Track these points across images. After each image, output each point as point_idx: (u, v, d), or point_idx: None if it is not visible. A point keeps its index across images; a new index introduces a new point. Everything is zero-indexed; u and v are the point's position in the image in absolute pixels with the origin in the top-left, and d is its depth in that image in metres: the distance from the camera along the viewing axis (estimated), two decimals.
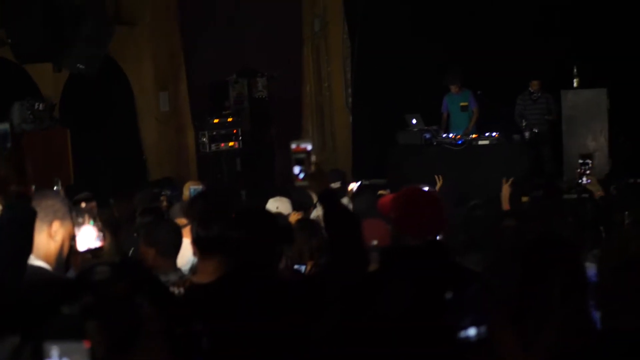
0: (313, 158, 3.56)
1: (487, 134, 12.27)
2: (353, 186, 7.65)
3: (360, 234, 3.43)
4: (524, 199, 11.72)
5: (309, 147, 3.54)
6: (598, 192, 5.71)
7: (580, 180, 5.71)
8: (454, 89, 12.89)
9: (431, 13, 13.76)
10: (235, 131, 13.16)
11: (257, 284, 3.26)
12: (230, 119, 13.29)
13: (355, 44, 14.55)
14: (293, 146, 3.56)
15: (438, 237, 3.35)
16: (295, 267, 5.24)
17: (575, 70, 12.39)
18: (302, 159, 3.55)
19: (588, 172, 5.65)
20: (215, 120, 13.12)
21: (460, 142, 12.24)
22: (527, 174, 11.93)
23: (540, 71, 12.78)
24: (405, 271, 3.09)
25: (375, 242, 4.14)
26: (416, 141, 12.44)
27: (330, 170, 7.73)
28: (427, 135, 12.48)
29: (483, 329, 2.05)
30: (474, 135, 12.34)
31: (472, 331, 2.04)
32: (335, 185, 6.72)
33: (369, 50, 14.37)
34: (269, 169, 13.90)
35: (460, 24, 13.65)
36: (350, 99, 15.06)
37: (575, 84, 12.46)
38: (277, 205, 6.20)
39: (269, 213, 3.77)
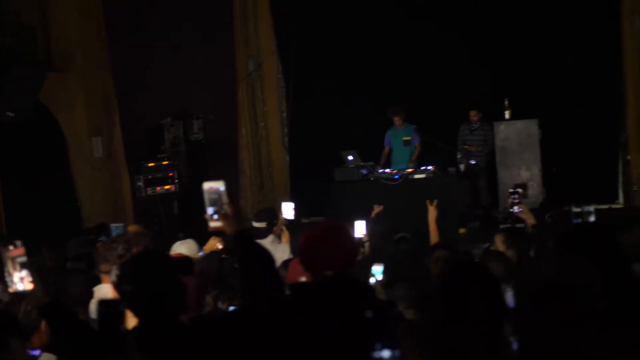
0: (225, 199, 3.54)
1: (422, 168, 12.37)
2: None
3: (275, 274, 3.49)
4: (462, 230, 11.86)
5: (222, 187, 3.54)
6: (530, 221, 5.76)
7: (511, 210, 5.75)
8: (397, 122, 12.93)
9: (365, 50, 13.94)
10: (171, 174, 13.08)
11: (160, 333, 3.25)
12: (165, 162, 13.21)
13: (290, 83, 14.64)
14: (205, 187, 3.54)
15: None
16: (230, 308, 5.19)
17: (506, 102, 12.60)
18: (215, 200, 3.54)
19: (517, 200, 5.69)
20: (151, 164, 13.03)
21: (396, 176, 12.31)
22: (463, 205, 12.08)
23: (475, 103, 12.97)
24: (311, 303, 3.14)
25: (303, 279, 4.13)
26: (353, 177, 12.51)
27: (259, 210, 7.69)
28: (364, 171, 12.56)
29: (397, 352, 2.05)
30: (409, 170, 12.43)
31: (386, 353, 2.05)
32: (261, 225, 6.67)
33: (304, 89, 14.49)
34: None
35: (394, 59, 13.84)
36: (286, 138, 15.11)
37: (507, 116, 12.67)
38: (182, 248, 6.14)
39: (157, 258, 3.69)
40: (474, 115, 12.84)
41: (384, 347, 2.04)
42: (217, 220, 3.55)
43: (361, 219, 7.40)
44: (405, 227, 9.51)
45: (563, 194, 11.72)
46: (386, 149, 13.19)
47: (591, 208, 3.59)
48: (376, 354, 2.04)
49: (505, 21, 13.38)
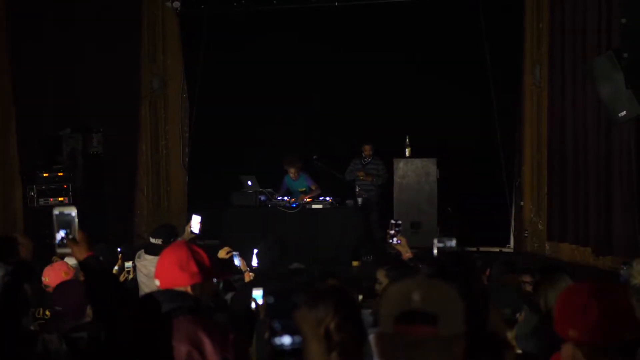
0: (76, 225, 3.50)
1: (321, 199, 12.44)
2: None
3: (122, 299, 3.53)
4: (355, 263, 11.95)
5: (73, 213, 3.49)
6: (406, 254, 5.80)
7: (390, 241, 5.80)
8: (292, 174, 12.93)
9: (271, 77, 14.01)
10: (65, 186, 12.79)
11: None
12: (61, 174, 12.91)
13: (194, 104, 14.56)
14: (56, 212, 3.49)
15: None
16: None
17: (407, 139, 12.80)
18: (66, 224, 3.49)
19: (395, 233, 5.74)
20: (46, 175, 12.72)
21: (294, 205, 12.35)
22: (358, 239, 12.19)
23: (374, 138, 13.14)
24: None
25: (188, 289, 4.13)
26: (251, 202, 12.50)
27: (158, 226, 7.58)
28: (262, 197, 12.55)
29: (298, 339, 2.04)
30: (308, 199, 12.48)
31: (286, 339, 2.03)
32: (157, 241, 6.59)
33: (208, 111, 14.42)
34: (100, 226, 13.54)
35: (300, 90, 13.98)
36: (187, 159, 14.99)
37: (407, 153, 12.85)
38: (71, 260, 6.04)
39: None
40: (367, 149, 12.97)
41: (284, 333, 2.01)
42: (65, 245, 3.50)
43: (254, 245, 7.42)
44: (300, 256, 9.60)
45: (457, 234, 11.92)
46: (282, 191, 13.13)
47: (453, 243, 3.67)
48: (276, 340, 2.01)
49: (410, 62, 13.67)
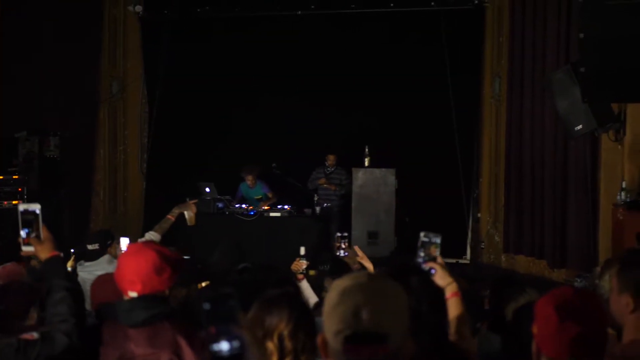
0: (40, 222, 3.43)
1: (279, 207, 12.41)
2: None
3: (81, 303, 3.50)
4: (312, 272, 11.89)
5: (38, 210, 3.42)
6: (355, 265, 5.79)
7: (338, 253, 5.79)
8: (249, 182, 12.92)
9: (231, 84, 13.99)
10: (20, 189, 12.61)
11: None
12: (16, 177, 12.73)
13: (153, 109, 14.47)
14: (20, 208, 3.42)
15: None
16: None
17: (366, 149, 12.81)
18: (30, 222, 3.42)
19: (343, 245, 5.74)
20: (0, 177, 12.53)
21: (252, 212, 12.31)
22: (316, 247, 12.14)
23: (336, 147, 13.15)
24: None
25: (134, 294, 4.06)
26: (208, 210, 12.41)
27: (92, 233, 7.53)
28: (220, 205, 12.49)
29: (236, 344, 2.01)
30: (266, 207, 12.45)
31: (224, 345, 2.00)
32: (94, 247, 6.56)
33: (167, 117, 14.34)
34: (55, 230, 13.37)
35: (259, 95, 13.97)
36: (145, 165, 14.89)
37: (366, 163, 12.86)
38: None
39: None
40: (332, 159, 12.98)
41: (222, 339, 1.98)
42: (29, 243, 3.42)
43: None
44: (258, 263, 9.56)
45: (413, 245, 11.95)
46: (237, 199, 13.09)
47: (438, 239, 3.61)
48: (214, 347, 1.98)
49: (371, 73, 13.72)
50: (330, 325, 2.13)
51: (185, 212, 7.34)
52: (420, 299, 2.89)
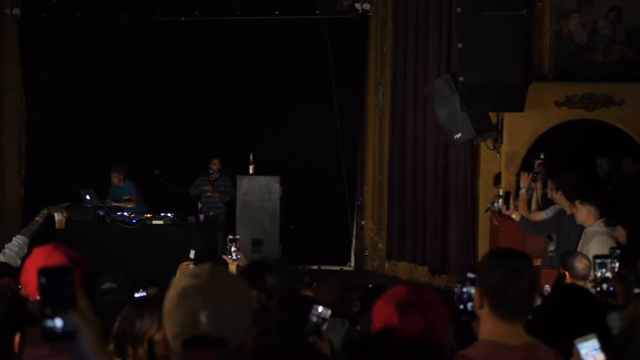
0: None
1: (162, 214, 12.23)
2: None
3: None
4: None
5: None
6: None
7: (230, 257, 5.73)
8: (114, 179, 12.72)
9: (113, 89, 13.80)
10: None
11: None
12: None
13: (32, 115, 14.07)
14: None
15: None
16: None
17: (251, 157, 12.75)
18: None
19: (234, 248, 5.69)
20: None
21: (134, 220, 12.09)
22: (201, 256, 12.02)
23: (220, 155, 13.06)
24: None
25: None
26: (89, 218, 12.14)
27: None
28: (101, 212, 12.23)
29: (70, 323, 1.93)
30: (149, 215, 12.26)
31: (58, 322, 1.92)
32: None
33: (47, 123, 13.99)
34: None
35: (142, 101, 13.82)
36: (23, 172, 14.46)
37: (250, 170, 12.80)
38: None
39: None
40: (216, 163, 12.86)
41: (55, 315, 1.90)
42: None
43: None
44: (140, 271, 9.41)
45: (298, 252, 12.00)
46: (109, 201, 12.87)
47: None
48: (48, 323, 1.90)
49: (256, 80, 13.73)
50: (170, 327, 2.11)
51: (55, 214, 7.09)
52: (272, 296, 2.92)
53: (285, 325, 2.93)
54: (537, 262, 7.62)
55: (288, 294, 3.07)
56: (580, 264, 5.64)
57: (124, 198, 12.71)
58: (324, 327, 3.59)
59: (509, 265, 2.94)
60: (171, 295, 2.10)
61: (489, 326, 2.93)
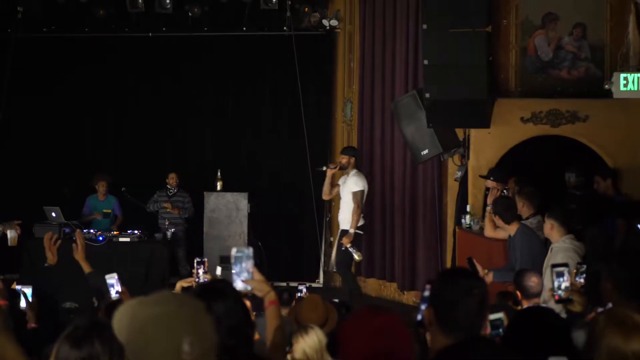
0: None
1: (129, 232, 12.14)
2: None
3: None
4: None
5: None
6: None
7: (197, 280, 5.70)
8: (101, 187, 12.65)
9: (79, 105, 13.83)
10: None
11: None
12: None
13: None
14: None
15: None
16: None
17: (219, 173, 12.69)
18: None
19: (198, 269, 5.67)
20: None
21: (100, 238, 11.97)
22: (164, 273, 11.97)
23: (184, 171, 13.01)
24: None
25: None
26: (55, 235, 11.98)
27: None
28: (67, 230, 12.10)
29: None
30: (115, 232, 12.16)
31: None
32: None
33: (11, 138, 13.85)
34: None
35: (109, 117, 13.83)
36: None
37: (218, 187, 12.73)
38: None
39: None
40: (173, 177, 12.78)
41: None
42: None
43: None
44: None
45: (267, 268, 11.92)
46: (85, 217, 12.76)
47: (251, 252, 3.69)
48: None
49: (224, 95, 13.80)
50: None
51: (8, 232, 7.02)
52: (220, 323, 2.89)
53: (233, 351, 2.90)
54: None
55: (236, 319, 3.04)
56: (530, 283, 5.66)
57: (105, 211, 12.64)
58: None
59: (460, 284, 2.95)
60: (135, 325, 2.04)
61: (437, 343, 2.93)
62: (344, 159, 10.79)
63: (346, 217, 10.64)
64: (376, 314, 2.85)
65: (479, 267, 6.85)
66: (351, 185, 10.65)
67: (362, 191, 10.61)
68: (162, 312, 2.07)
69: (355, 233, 10.54)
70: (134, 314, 2.09)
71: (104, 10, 13.27)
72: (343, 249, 10.45)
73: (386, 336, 2.71)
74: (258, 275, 3.65)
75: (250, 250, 3.59)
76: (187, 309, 2.09)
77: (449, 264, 10.48)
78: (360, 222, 10.62)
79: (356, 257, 10.45)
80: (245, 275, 3.56)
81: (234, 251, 3.62)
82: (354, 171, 10.74)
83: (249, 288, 3.58)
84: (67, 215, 12.31)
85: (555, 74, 9.71)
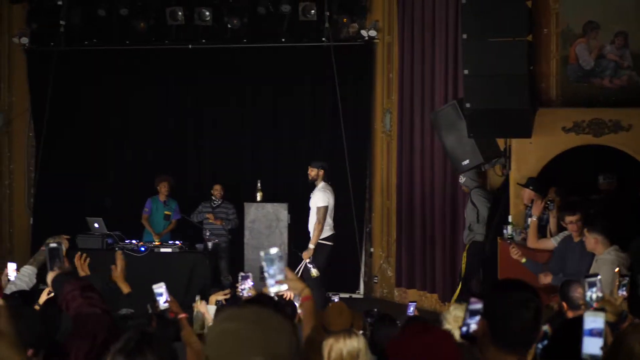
0: None
1: (171, 242, 12.22)
2: None
3: None
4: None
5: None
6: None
7: (241, 294, 5.76)
8: (163, 188, 12.76)
9: (120, 116, 14.07)
10: None
11: None
12: None
13: (40, 143, 14.08)
14: None
15: None
16: None
17: (259, 184, 12.73)
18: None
19: (242, 285, 5.70)
20: None
21: (142, 248, 12.05)
22: (205, 285, 11.99)
23: (225, 182, 13.07)
24: None
25: None
26: (97, 245, 12.09)
27: None
28: (110, 240, 12.21)
29: None
30: (157, 243, 12.24)
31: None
32: None
33: (55, 150, 14.01)
34: None
35: (149, 128, 13.97)
36: (32, 200, 14.46)
37: (258, 198, 12.77)
38: None
39: None
40: (218, 189, 12.85)
41: None
42: None
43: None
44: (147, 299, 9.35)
45: (306, 279, 11.90)
46: (144, 216, 12.87)
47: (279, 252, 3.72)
48: None
49: (264, 107, 13.86)
50: None
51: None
52: None
53: None
54: None
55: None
56: (576, 294, 5.61)
57: (165, 212, 12.74)
58: None
59: (514, 296, 2.92)
60: (212, 337, 2.10)
61: (489, 355, 2.90)
62: (312, 172, 10.91)
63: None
64: (426, 330, 2.83)
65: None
66: (316, 200, 10.89)
67: (326, 207, 10.88)
68: (236, 328, 2.08)
69: (322, 245, 10.67)
70: (214, 326, 2.13)
71: (144, 22, 13.42)
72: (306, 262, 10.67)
73: (436, 353, 2.69)
74: (291, 274, 3.72)
75: (278, 251, 3.59)
76: (262, 327, 2.10)
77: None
78: (328, 233, 10.94)
79: (313, 272, 10.58)
80: (279, 277, 3.56)
81: (262, 254, 3.62)
82: (321, 184, 10.92)
83: (284, 288, 3.60)
84: (109, 226, 12.42)
85: (597, 83, 9.60)
